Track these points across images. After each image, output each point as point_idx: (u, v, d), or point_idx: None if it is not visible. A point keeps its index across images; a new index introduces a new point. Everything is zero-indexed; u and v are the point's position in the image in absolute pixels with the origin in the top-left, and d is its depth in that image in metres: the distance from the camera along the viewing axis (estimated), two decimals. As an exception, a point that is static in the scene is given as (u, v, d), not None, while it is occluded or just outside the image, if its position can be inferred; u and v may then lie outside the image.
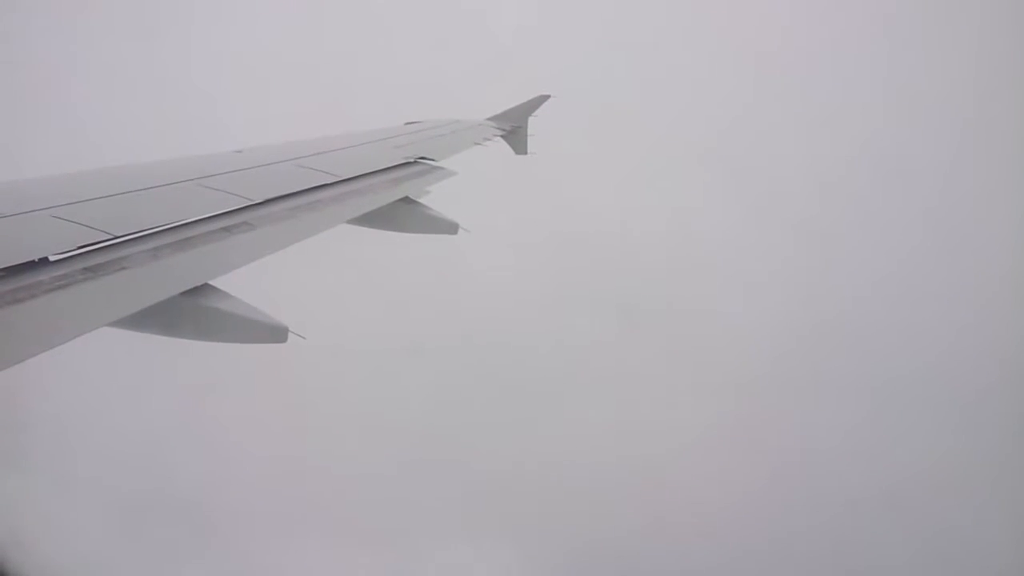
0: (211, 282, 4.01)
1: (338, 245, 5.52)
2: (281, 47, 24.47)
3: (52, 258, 3.51)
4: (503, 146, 11.85)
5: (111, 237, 3.83)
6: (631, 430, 20.37)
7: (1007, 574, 18.50)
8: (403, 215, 6.41)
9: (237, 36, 24.84)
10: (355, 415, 19.35)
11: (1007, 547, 18.27)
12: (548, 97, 12.67)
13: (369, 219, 5.87)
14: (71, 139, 19.30)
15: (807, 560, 18.35)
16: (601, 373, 21.35)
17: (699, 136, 23.68)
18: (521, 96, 12.59)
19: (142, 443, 16.79)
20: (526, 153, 12.27)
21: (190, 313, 3.89)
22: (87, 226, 3.83)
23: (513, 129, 11.92)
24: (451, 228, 6.75)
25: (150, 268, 3.80)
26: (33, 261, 3.42)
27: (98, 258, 3.66)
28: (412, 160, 7.26)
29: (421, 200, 6.70)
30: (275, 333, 4.13)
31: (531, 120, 12.36)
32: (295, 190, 5.43)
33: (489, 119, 11.75)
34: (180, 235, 4.25)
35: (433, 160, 7.51)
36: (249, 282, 4.17)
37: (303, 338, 4.14)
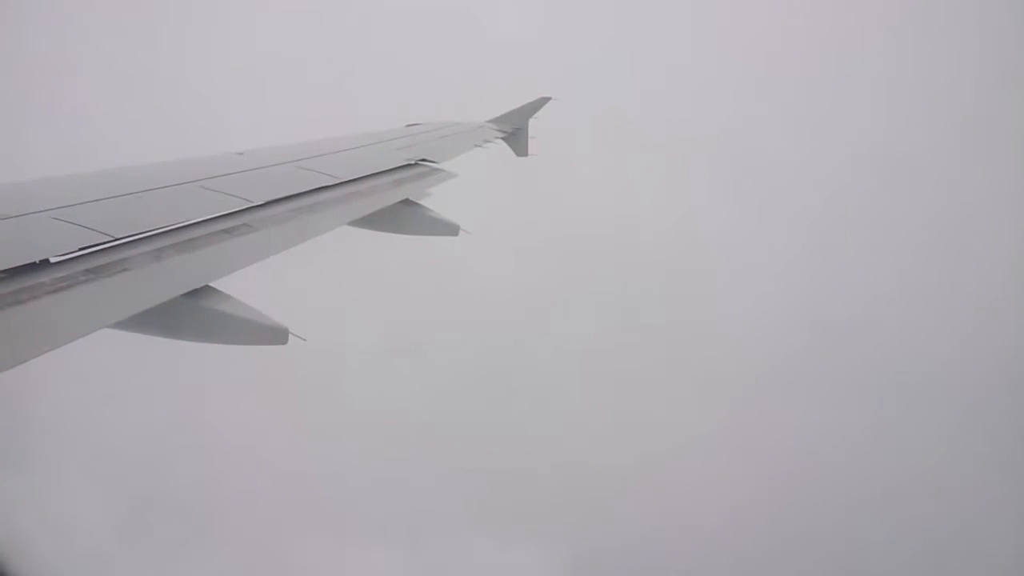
0: (212, 284, 4.00)
1: (339, 247, 5.52)
2: (283, 49, 24.53)
3: (53, 260, 3.50)
4: (504, 148, 11.87)
5: (112, 239, 3.82)
6: (632, 431, 20.37)
7: (1007, 574, 18.48)
8: (404, 217, 6.40)
9: (239, 39, 24.91)
10: (355, 416, 19.34)
11: (1007, 547, 18.24)
12: (549, 99, 12.66)
13: (370, 221, 5.86)
14: (72, 140, 19.33)
15: (808, 560, 18.34)
16: (601, 373, 21.35)
17: (701, 138, 23.69)
18: (522, 98, 12.60)
19: (142, 444, 16.81)
20: (527, 155, 12.29)
21: (191, 315, 3.88)
22: (88, 228, 3.83)
23: (514, 131, 11.94)
24: (452, 230, 6.73)
25: (151, 270, 3.79)
26: (34, 263, 3.42)
27: (99, 260, 3.65)
28: (413, 162, 7.26)
29: (422, 202, 6.68)
30: (276, 335, 4.12)
31: (532, 122, 12.37)
32: (296, 192, 5.43)
33: (490, 121, 11.75)
34: (181, 237, 4.24)
35: (434, 162, 7.50)
36: (250, 284, 4.16)
37: (304, 340, 4.13)
